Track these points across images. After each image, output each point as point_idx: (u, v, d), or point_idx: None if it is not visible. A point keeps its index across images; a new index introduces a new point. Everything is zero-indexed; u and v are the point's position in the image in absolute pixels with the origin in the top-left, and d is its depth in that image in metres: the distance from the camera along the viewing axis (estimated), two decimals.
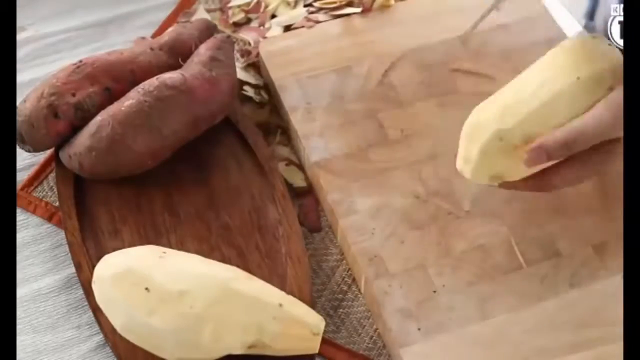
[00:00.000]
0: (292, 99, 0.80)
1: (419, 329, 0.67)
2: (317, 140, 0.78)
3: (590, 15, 0.98)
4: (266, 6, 0.89)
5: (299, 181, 0.78)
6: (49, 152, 0.78)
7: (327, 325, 0.69)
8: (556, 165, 0.65)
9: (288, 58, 0.83)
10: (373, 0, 0.87)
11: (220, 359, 0.64)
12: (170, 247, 0.72)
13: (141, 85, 0.73)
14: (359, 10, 0.87)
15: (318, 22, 0.86)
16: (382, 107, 0.80)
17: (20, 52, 0.86)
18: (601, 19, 0.96)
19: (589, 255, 0.71)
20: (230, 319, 0.63)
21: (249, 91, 0.83)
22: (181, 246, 0.72)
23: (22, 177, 0.78)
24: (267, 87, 0.84)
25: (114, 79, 0.74)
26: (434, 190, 0.75)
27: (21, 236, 0.74)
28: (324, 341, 0.68)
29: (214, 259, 0.69)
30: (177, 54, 0.77)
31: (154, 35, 0.88)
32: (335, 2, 0.88)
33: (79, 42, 0.88)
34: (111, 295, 0.63)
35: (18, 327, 0.69)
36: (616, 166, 0.63)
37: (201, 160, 0.78)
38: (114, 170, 0.73)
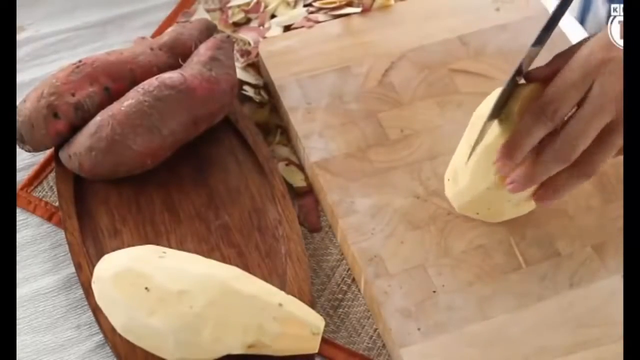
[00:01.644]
0: (292, 99, 0.80)
1: (418, 329, 0.67)
2: (317, 140, 0.78)
3: (580, 23, 0.98)
4: (266, 6, 0.89)
5: (299, 181, 0.78)
6: (49, 152, 0.78)
7: (327, 325, 0.69)
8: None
9: (288, 58, 0.83)
10: (373, 0, 0.87)
11: (220, 359, 0.64)
12: (170, 247, 0.72)
13: (141, 85, 0.73)
14: (358, 10, 0.87)
15: (318, 22, 0.86)
16: (382, 107, 0.80)
17: (20, 52, 0.86)
18: (590, 27, 0.97)
19: (588, 255, 0.71)
20: (230, 319, 0.62)
21: (249, 91, 0.83)
22: (181, 246, 0.72)
23: (22, 177, 0.78)
24: (266, 87, 0.84)
25: (113, 78, 0.74)
26: (434, 190, 0.75)
27: (21, 236, 0.74)
28: (324, 341, 0.68)
29: (213, 258, 0.69)
30: (177, 54, 0.77)
31: (153, 35, 0.88)
32: (335, 2, 0.88)
33: (79, 42, 0.87)
34: (111, 295, 0.63)
35: (18, 327, 0.69)
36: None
37: (201, 160, 0.78)
38: (114, 170, 0.73)
